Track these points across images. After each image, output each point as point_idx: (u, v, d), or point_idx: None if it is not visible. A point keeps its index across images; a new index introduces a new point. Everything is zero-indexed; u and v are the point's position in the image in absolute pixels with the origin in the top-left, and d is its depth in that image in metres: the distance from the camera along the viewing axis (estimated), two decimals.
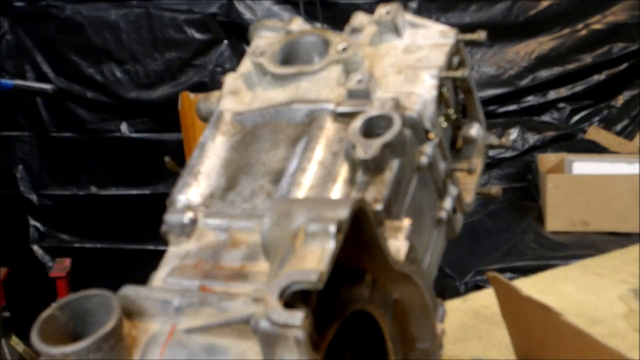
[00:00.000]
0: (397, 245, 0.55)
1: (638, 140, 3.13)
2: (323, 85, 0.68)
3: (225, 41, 3.30)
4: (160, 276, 0.58)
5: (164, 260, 0.60)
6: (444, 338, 0.64)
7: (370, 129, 0.60)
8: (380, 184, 0.59)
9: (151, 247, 3.26)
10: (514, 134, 3.25)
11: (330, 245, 0.44)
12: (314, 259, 0.43)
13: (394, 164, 0.61)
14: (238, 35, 3.23)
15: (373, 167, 0.59)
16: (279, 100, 0.69)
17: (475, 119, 0.81)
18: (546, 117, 3.32)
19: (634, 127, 3.24)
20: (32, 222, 3.52)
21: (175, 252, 0.61)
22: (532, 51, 3.24)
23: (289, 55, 0.73)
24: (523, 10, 3.19)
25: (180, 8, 3.27)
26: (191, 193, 0.64)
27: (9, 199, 3.44)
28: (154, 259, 0.60)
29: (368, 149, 0.58)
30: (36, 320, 0.48)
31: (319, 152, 0.63)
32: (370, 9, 0.77)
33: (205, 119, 0.74)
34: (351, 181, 0.60)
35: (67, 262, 3.14)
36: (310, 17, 3.02)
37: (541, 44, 3.23)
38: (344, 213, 0.45)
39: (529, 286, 1.14)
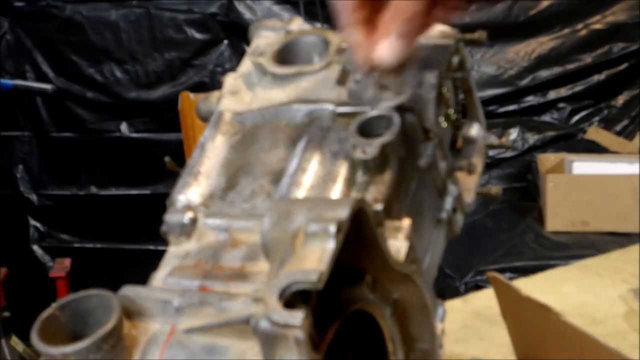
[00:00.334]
0: (397, 245, 0.56)
1: (638, 140, 3.13)
2: (323, 85, 0.68)
3: (225, 41, 3.31)
4: (160, 276, 0.58)
5: (164, 260, 0.60)
6: (444, 338, 0.64)
7: (370, 129, 0.60)
8: (380, 184, 0.60)
9: (151, 247, 3.26)
10: (514, 134, 3.25)
11: (331, 245, 0.44)
12: (314, 259, 0.43)
13: (394, 164, 0.61)
14: (238, 35, 3.23)
15: (373, 167, 0.59)
16: (279, 100, 0.69)
17: (475, 119, 0.81)
18: (546, 117, 3.32)
19: (634, 127, 3.24)
20: (32, 222, 3.52)
21: (175, 252, 0.61)
22: (532, 51, 3.24)
23: (289, 55, 0.73)
24: (523, 10, 3.19)
25: (180, 8, 3.27)
26: (191, 193, 0.64)
27: (8, 199, 3.44)
28: (154, 259, 0.60)
29: (368, 149, 0.58)
30: (36, 320, 0.48)
31: (319, 152, 0.63)
32: None
33: (205, 119, 0.74)
34: (351, 181, 0.60)
35: (67, 262, 3.14)
36: (310, 17, 3.02)
37: (541, 44, 3.23)
38: (344, 213, 0.45)
39: (529, 286, 1.14)
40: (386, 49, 0.57)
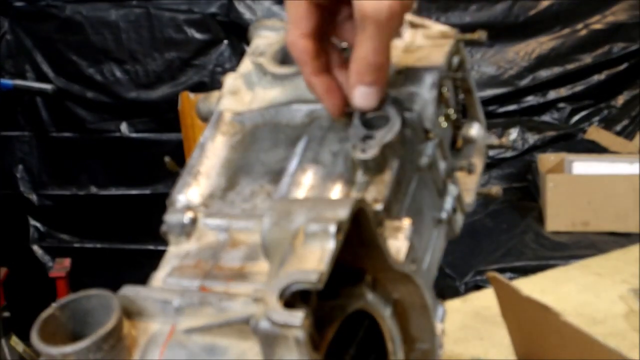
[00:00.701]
0: (397, 245, 0.55)
1: (638, 140, 3.14)
2: None
3: (225, 41, 3.31)
4: (160, 276, 0.58)
5: (164, 260, 0.60)
6: (444, 338, 0.64)
7: (370, 129, 0.60)
8: (380, 184, 0.59)
9: (151, 247, 3.27)
10: (514, 133, 3.25)
11: (330, 245, 0.44)
12: (314, 259, 0.43)
13: (394, 164, 0.61)
14: (238, 35, 3.24)
15: (373, 167, 0.59)
16: (279, 100, 0.69)
17: (475, 118, 0.81)
18: (546, 117, 3.33)
19: (634, 127, 3.25)
20: (32, 222, 3.53)
21: (175, 252, 0.61)
22: (532, 51, 3.25)
23: (289, 55, 0.73)
24: (523, 10, 3.20)
25: (180, 8, 3.27)
26: (191, 193, 0.64)
27: (8, 199, 3.44)
28: (154, 259, 0.60)
29: (368, 149, 0.58)
30: (36, 320, 0.48)
31: (319, 152, 0.63)
32: None
33: (205, 119, 0.74)
34: (351, 181, 0.60)
35: (67, 262, 3.15)
36: None
37: (541, 44, 3.24)
38: (344, 213, 0.45)
39: (529, 286, 1.14)
40: (361, 96, 0.58)
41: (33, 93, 3.36)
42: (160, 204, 0.67)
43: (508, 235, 2.74)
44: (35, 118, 3.43)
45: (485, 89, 3.19)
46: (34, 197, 3.49)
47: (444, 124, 0.72)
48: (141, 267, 0.73)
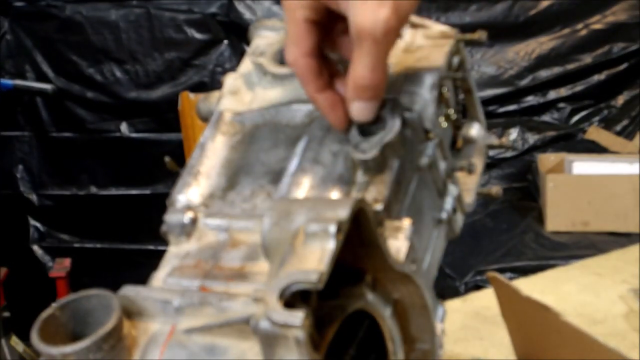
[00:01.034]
0: (397, 245, 0.55)
1: (638, 140, 3.14)
2: None
3: (225, 41, 3.31)
4: (160, 276, 0.58)
5: (164, 260, 0.60)
6: (444, 338, 0.64)
7: (370, 129, 0.60)
8: (381, 184, 0.59)
9: (151, 247, 3.27)
10: (514, 133, 3.26)
11: (331, 246, 0.44)
12: (314, 259, 0.43)
13: (394, 164, 0.61)
14: (238, 35, 3.24)
15: (373, 167, 0.59)
16: (279, 100, 0.69)
17: (475, 119, 0.81)
18: (546, 117, 3.33)
19: (634, 127, 3.25)
20: (32, 222, 3.53)
21: (175, 252, 0.61)
22: (532, 51, 3.25)
23: None
24: (523, 10, 3.20)
25: (180, 8, 3.27)
26: (191, 193, 0.64)
27: (8, 199, 3.44)
28: (154, 259, 0.60)
29: (368, 149, 0.58)
30: (36, 320, 0.48)
31: (319, 152, 0.63)
32: None
33: (205, 119, 0.74)
34: (351, 181, 0.60)
35: (67, 262, 3.15)
36: None
37: (541, 44, 3.24)
38: (344, 213, 0.45)
39: (529, 286, 1.14)
40: (358, 111, 0.59)
41: (33, 93, 3.36)
42: (160, 204, 0.68)
43: (508, 235, 2.74)
44: (35, 118, 3.43)
45: (485, 89, 3.19)
46: (34, 197, 3.49)
47: (444, 124, 0.72)
48: (141, 267, 0.73)
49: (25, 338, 2.82)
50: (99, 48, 3.32)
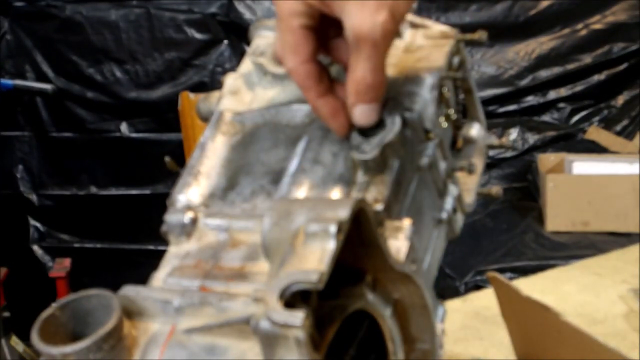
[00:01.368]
0: (398, 245, 0.56)
1: (638, 140, 3.14)
2: None
3: (225, 41, 3.31)
4: (160, 276, 0.58)
5: (164, 260, 0.60)
6: (444, 338, 0.64)
7: (371, 130, 0.60)
8: (381, 184, 0.60)
9: (151, 247, 3.27)
10: (514, 134, 3.26)
11: (331, 246, 0.44)
12: (314, 259, 0.43)
13: (395, 164, 0.61)
14: (238, 35, 3.24)
15: (373, 167, 0.59)
16: (279, 100, 0.69)
17: (475, 119, 0.81)
18: (546, 117, 3.33)
19: (634, 127, 3.25)
20: (32, 222, 3.53)
21: (175, 252, 0.61)
22: (532, 51, 3.25)
23: None
24: (523, 10, 3.20)
25: (180, 8, 3.27)
26: (191, 193, 0.64)
27: (8, 199, 3.45)
28: (154, 259, 0.60)
29: (368, 149, 0.59)
30: (36, 320, 0.48)
31: (319, 152, 0.63)
32: None
33: (205, 119, 0.74)
34: (351, 181, 0.60)
35: (67, 262, 3.15)
36: None
37: (541, 44, 3.24)
38: (344, 213, 0.45)
39: (529, 286, 1.14)
40: (361, 115, 0.59)
41: (33, 93, 3.36)
42: (160, 204, 0.68)
43: (508, 235, 2.74)
44: (35, 118, 3.43)
45: (485, 89, 3.19)
46: (34, 197, 3.49)
47: (444, 124, 0.72)
48: (141, 267, 0.73)
49: (25, 338, 2.82)
50: (99, 48, 3.32)
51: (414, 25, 0.73)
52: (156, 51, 3.32)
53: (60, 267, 3.08)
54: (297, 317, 0.41)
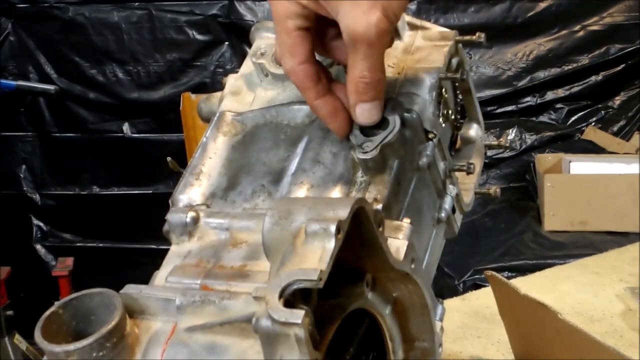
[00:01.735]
0: (397, 244, 0.56)
1: (635, 140, 3.14)
2: None
3: (226, 42, 3.31)
4: (162, 275, 0.58)
5: (166, 259, 0.61)
6: (443, 337, 0.65)
7: (369, 130, 0.61)
8: (381, 184, 0.60)
9: (153, 247, 3.27)
10: (512, 134, 3.26)
11: (331, 245, 0.44)
12: (315, 258, 0.44)
13: (394, 164, 0.61)
14: (239, 36, 3.24)
15: (373, 167, 0.60)
16: (280, 101, 0.70)
17: (474, 119, 0.81)
18: (544, 118, 3.33)
19: (631, 128, 3.25)
20: (35, 221, 3.53)
21: (177, 251, 0.61)
22: (530, 52, 3.25)
23: None
24: (521, 11, 3.20)
25: (181, 9, 3.28)
26: (193, 193, 0.65)
27: (11, 199, 3.45)
28: (156, 258, 0.61)
29: (368, 149, 0.59)
30: (39, 318, 0.49)
31: (319, 152, 0.63)
32: None
33: (206, 119, 0.74)
34: (351, 181, 0.61)
35: (70, 261, 3.15)
36: None
37: (539, 45, 3.24)
38: (344, 213, 0.45)
39: (527, 285, 1.14)
40: (363, 113, 0.59)
41: (36, 94, 3.36)
42: (161, 203, 0.68)
43: (506, 234, 2.74)
44: (37, 118, 3.43)
45: (483, 89, 3.20)
46: (36, 197, 3.49)
47: (443, 125, 0.73)
48: (143, 266, 0.74)
49: (28, 336, 2.82)
50: (101, 49, 3.32)
51: (413, 27, 0.73)
52: (157, 52, 3.32)
53: (63, 266, 3.08)
54: (298, 315, 0.41)
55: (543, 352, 1.03)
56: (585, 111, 3.32)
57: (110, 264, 3.40)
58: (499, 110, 3.29)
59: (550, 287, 1.49)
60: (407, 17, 0.73)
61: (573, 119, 3.32)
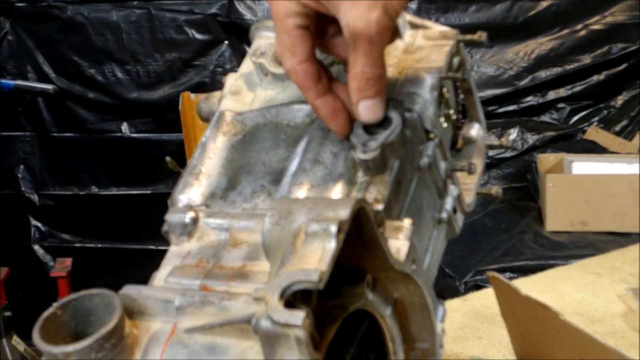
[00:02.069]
0: (398, 245, 0.56)
1: (637, 140, 3.14)
2: None
3: (226, 42, 3.31)
4: (161, 275, 0.58)
5: (165, 259, 0.60)
6: (444, 337, 0.65)
7: (370, 129, 0.60)
8: (381, 184, 0.60)
9: (152, 247, 3.27)
10: (513, 134, 3.26)
11: (331, 245, 0.44)
12: (315, 258, 0.44)
13: (395, 164, 0.61)
14: (238, 35, 3.24)
15: (373, 167, 0.60)
16: (280, 100, 0.70)
17: (475, 119, 0.81)
18: (545, 118, 3.33)
19: (633, 127, 3.25)
20: (33, 221, 3.53)
21: (177, 251, 0.61)
22: (532, 52, 3.25)
23: None
24: (522, 11, 3.20)
25: (180, 9, 3.28)
26: (192, 193, 0.65)
27: (10, 199, 3.45)
28: (155, 259, 0.60)
29: (368, 149, 0.59)
30: (37, 319, 0.48)
31: (320, 152, 0.63)
32: None
33: (206, 119, 0.74)
34: (352, 181, 0.61)
35: (68, 261, 3.15)
36: None
37: (540, 45, 3.24)
38: (344, 213, 0.45)
39: (529, 286, 1.14)
40: (365, 110, 0.59)
41: (34, 93, 3.37)
42: (161, 203, 0.68)
43: (507, 235, 2.74)
44: (36, 118, 3.44)
45: (484, 89, 3.20)
46: (35, 197, 3.49)
47: (445, 125, 0.72)
48: (142, 267, 0.73)
49: (26, 337, 2.82)
50: (100, 49, 3.32)
51: (414, 26, 0.73)
52: (157, 52, 3.32)
53: (62, 266, 3.09)
54: (298, 316, 0.41)
55: (544, 352, 1.03)
56: (587, 111, 3.32)
57: (109, 265, 3.40)
58: (500, 110, 3.29)
59: (551, 287, 1.48)
60: (407, 16, 0.73)
61: (575, 118, 3.32)
